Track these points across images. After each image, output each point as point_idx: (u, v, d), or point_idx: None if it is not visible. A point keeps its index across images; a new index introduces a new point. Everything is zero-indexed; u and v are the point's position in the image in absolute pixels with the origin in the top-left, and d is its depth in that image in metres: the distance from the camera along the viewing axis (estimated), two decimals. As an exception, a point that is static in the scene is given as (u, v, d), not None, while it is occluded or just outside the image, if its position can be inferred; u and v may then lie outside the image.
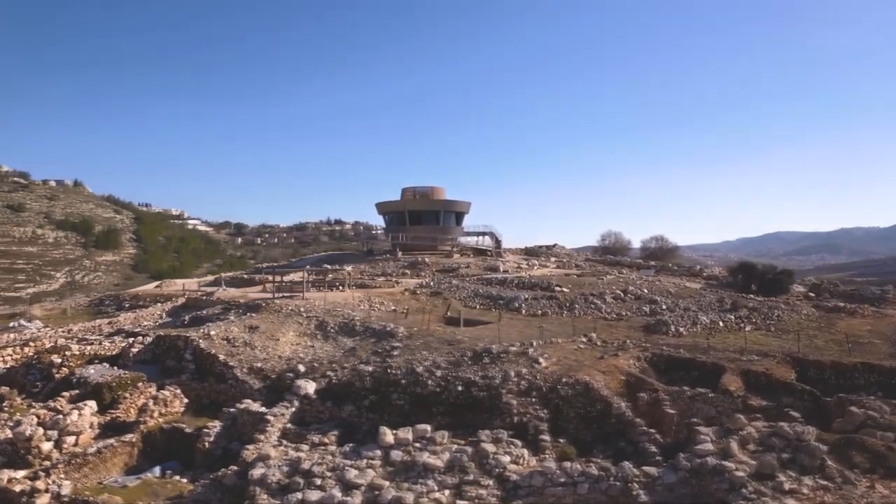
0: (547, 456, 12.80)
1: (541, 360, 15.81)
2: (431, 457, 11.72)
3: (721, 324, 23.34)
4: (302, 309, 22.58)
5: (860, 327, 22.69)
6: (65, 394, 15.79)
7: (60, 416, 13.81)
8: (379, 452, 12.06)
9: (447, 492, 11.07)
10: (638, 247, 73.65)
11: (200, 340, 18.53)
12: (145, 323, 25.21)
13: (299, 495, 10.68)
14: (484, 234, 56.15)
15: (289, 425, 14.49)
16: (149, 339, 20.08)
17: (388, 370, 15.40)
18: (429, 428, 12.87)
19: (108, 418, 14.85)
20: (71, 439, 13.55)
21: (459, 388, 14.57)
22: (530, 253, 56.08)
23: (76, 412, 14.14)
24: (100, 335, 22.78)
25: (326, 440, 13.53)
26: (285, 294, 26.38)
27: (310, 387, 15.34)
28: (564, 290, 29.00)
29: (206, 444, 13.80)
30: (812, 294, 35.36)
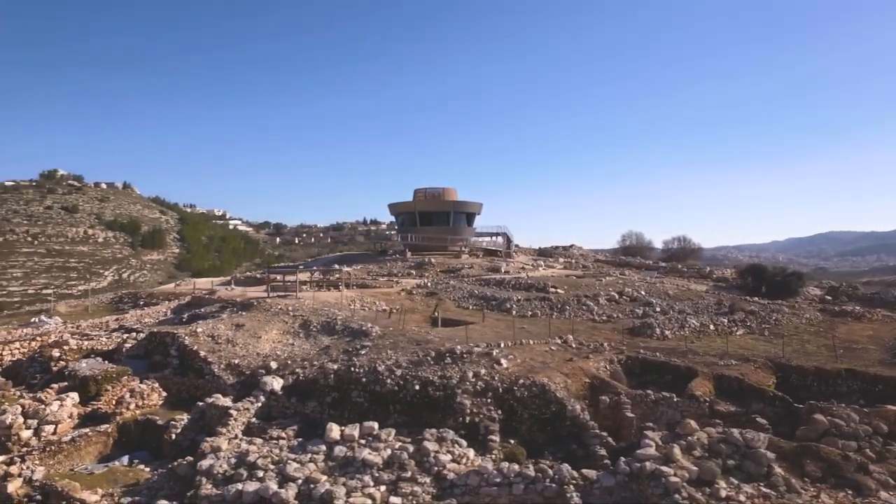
0: (493, 456, 12.89)
1: (503, 361, 15.86)
2: (372, 453, 11.99)
3: (712, 327, 22.75)
4: (290, 308, 23.24)
5: (861, 332, 21.73)
6: (54, 385, 16.82)
7: (42, 406, 14.76)
8: (324, 448, 12.42)
9: (382, 488, 11.32)
10: (660, 247, 72.05)
11: (186, 337, 19.36)
12: (147, 320, 26.42)
13: (239, 486, 11.13)
14: (497, 234, 56.09)
15: (253, 420, 15.03)
16: (142, 336, 21.09)
17: (352, 368, 15.76)
18: (375, 425, 13.16)
19: (90, 409, 15.75)
20: (50, 428, 14.46)
21: (416, 387, 14.79)
22: (543, 254, 55.63)
23: (57, 403, 15.07)
24: (103, 331, 24.01)
25: (284, 435, 13.98)
26: (280, 294, 27.17)
27: (276, 383, 15.85)
28: (559, 291, 28.78)
29: (174, 435, 14.47)
30: (828, 297, 33.95)
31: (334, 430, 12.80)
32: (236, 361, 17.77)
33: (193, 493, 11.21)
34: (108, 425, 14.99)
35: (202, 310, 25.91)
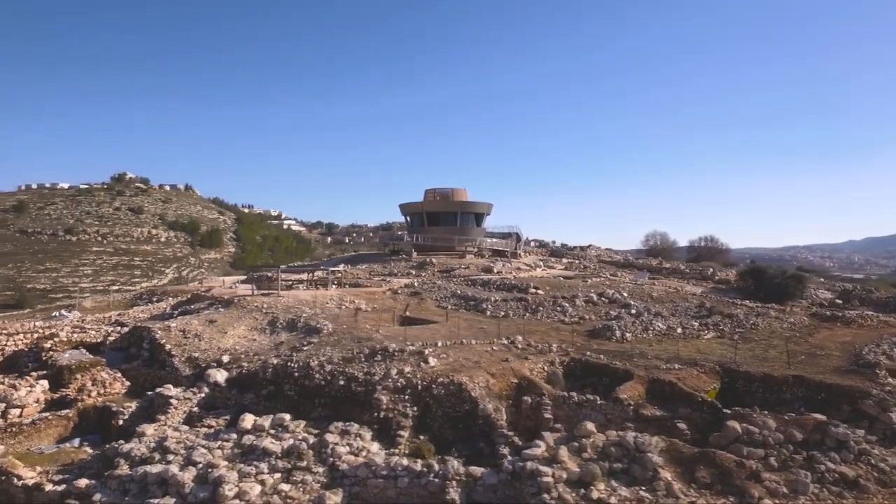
0: (398, 451, 13.38)
1: (431, 360, 16.26)
2: (274, 442, 12.75)
3: (679, 330, 22.20)
4: (265, 306, 24.41)
5: (838, 338, 20.68)
6: (33, 374, 18.56)
7: (13, 391, 16.39)
8: (234, 436, 13.28)
9: (277, 475, 12.04)
10: (685, 247, 69.65)
11: (158, 331, 20.80)
12: (142, 315, 28.35)
13: (148, 468, 12.13)
14: (508, 234, 56.11)
15: (195, 409, 16.11)
16: (125, 330, 22.79)
17: (288, 364, 16.59)
18: (287, 417, 13.93)
19: (58, 396, 17.32)
20: (16, 411, 16.04)
21: (342, 382, 15.44)
22: (555, 254, 55.12)
23: (27, 389, 16.70)
24: (104, 325, 26.00)
25: (215, 423, 14.97)
26: (264, 292, 28.50)
27: (220, 376, 16.90)
28: (539, 292, 28.71)
29: (121, 421, 15.74)
30: (838, 301, 32.20)
31: (247, 420, 13.65)
32: (196, 355, 18.97)
33: (110, 473, 12.30)
34: (68, 410, 16.46)
35: (193, 306, 27.56)
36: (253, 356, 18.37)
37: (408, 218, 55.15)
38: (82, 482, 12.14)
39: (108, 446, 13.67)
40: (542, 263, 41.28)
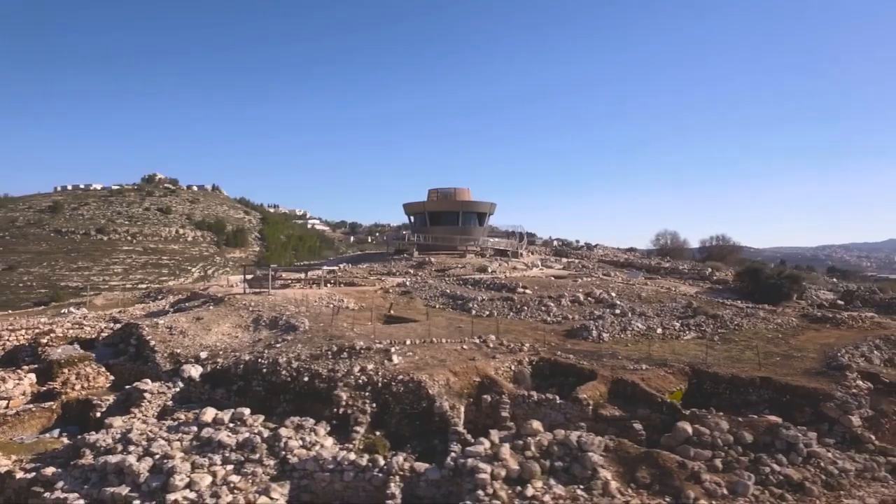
0: (352, 446, 13.69)
1: (395, 358, 16.55)
2: (230, 435, 13.16)
3: (659, 331, 22.05)
4: (253, 304, 25.03)
5: (820, 340, 20.28)
6: (24, 367, 19.45)
7: (0, 384, 17.23)
8: (195, 429, 13.75)
9: (229, 467, 12.44)
10: (696, 247, 68.52)
11: (146, 328, 21.55)
12: (138, 313, 29.29)
13: (108, 457, 12.69)
14: (512, 233, 56.18)
15: (169, 403, 16.71)
16: (118, 326, 23.65)
17: (259, 360, 17.06)
18: (246, 411, 14.37)
19: (45, 389, 18.13)
20: (3, 403, 16.85)
21: (306, 378, 15.84)
22: (559, 253, 54.88)
23: (14, 381, 17.54)
24: (102, 322, 26.98)
25: (184, 416, 15.50)
26: (255, 290, 29.17)
27: (194, 371, 17.46)
28: (527, 292, 28.74)
29: (98, 413, 16.42)
30: (840, 302, 31.45)
31: (208, 414, 14.14)
32: (178, 351, 19.60)
33: (75, 462, 12.91)
34: (53, 403, 17.24)
35: (188, 304, 28.38)
36: (230, 353, 18.91)
37: (411, 218, 55.56)
38: (49, 470, 12.75)
39: (78, 437, 14.32)
40: (540, 263, 41.20)
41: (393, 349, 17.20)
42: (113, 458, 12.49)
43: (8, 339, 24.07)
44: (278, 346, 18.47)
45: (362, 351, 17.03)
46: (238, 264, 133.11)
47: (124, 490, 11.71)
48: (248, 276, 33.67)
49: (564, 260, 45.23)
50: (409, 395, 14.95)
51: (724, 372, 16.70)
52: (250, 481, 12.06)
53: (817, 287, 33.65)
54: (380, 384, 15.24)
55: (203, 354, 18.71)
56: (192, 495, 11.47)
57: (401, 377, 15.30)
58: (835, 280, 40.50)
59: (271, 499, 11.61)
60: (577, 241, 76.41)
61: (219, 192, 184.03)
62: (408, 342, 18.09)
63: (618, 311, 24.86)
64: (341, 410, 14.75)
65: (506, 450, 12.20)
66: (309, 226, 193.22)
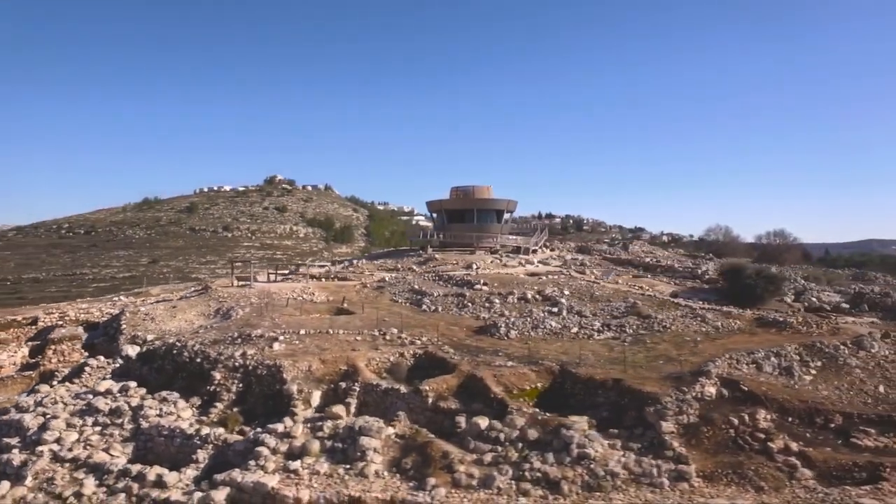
0: (208, 419, 15.88)
1: (276, 345, 18.49)
2: (107, 403, 15.93)
3: (575, 329, 21.85)
4: (225, 296, 28.29)
5: (731, 345, 19.00)
6: (29, 343, 24.09)
7: (-4, 354, 21.74)
8: (90, 396, 16.73)
9: (97, 428, 15.22)
10: (750, 243, 62.81)
11: (128, 314, 25.51)
12: (151, 301, 33.98)
13: (16, 415, 15.99)
14: (534, 230, 55.86)
15: (109, 376, 20.05)
16: (117, 312, 28.08)
17: (177, 343, 19.86)
18: (133, 384, 17.10)
19: (34, 361, 22.48)
20: (-5, 369, 21.32)
21: (199, 360, 18.29)
22: (582, 251, 53.45)
23: (9, 353, 21.99)
24: (110, 308, 31.87)
25: (111, 388, 18.67)
26: (243, 283, 32.62)
27: (132, 350, 20.68)
28: (484, 288, 29.26)
29: (55, 382, 20.18)
30: (844, 305, 28.26)
31: (103, 385, 17.07)
32: (139, 333, 23.10)
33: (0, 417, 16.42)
34: (31, 372, 21.42)
35: (189, 293, 32.53)
36: (175, 336, 22.00)
37: (433, 215, 57.10)
38: (-16, 422, 16.36)
39: (16, 397, 17.95)
40: (535, 260, 40.92)
41: (281, 337, 19.16)
42: (17, 416, 15.75)
43: (42, 321, 29.49)
44: (201, 332, 21.23)
45: (254, 338, 19.19)
46: (342, 259, 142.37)
47: (14, 440, 14.85)
48: (236, 270, 37.82)
49: (569, 256, 44.25)
50: (269, 378, 16.82)
51: (583, 373, 16.60)
52: (104, 440, 14.68)
53: (821, 288, 30.21)
54: (249, 367, 17.27)
55: (150, 337, 21.97)
56: (56, 447, 14.31)
57: (267, 362, 17.21)
58: (853, 278, 35.74)
59: (111, 455, 14.11)
60: (636, 231, 73.27)
61: (331, 191, 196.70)
62: (302, 332, 19.95)
63: (555, 310, 24.75)
64: (212, 388, 16.98)
65: (300, 429, 13.68)
66: (413, 222, 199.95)
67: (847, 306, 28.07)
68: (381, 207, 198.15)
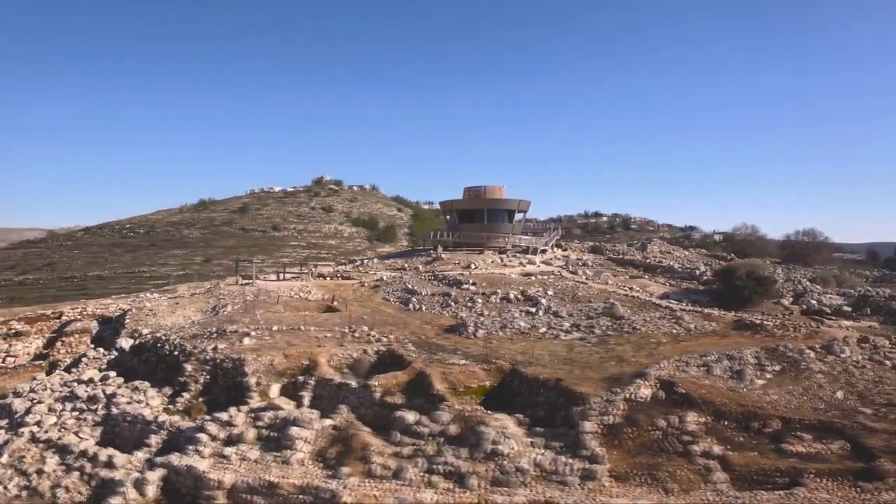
0: (174, 407, 17.15)
1: (246, 340, 19.62)
2: (86, 391, 17.47)
3: (543, 329, 21.99)
4: (226, 293, 29.92)
5: (692, 348, 18.64)
6: (47, 336, 26.38)
7: (13, 344, 23.97)
8: (76, 385, 18.35)
9: (75, 413, 16.74)
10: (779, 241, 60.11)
11: (133, 308, 27.46)
12: (163, 297, 36.16)
13: (11, 399, 17.76)
14: (546, 230, 55.65)
15: (105, 366, 21.82)
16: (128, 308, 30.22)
17: (162, 336, 21.37)
18: (113, 374, 18.58)
19: (45, 351, 24.64)
20: (11, 359, 23.52)
21: (176, 353, 19.66)
22: (595, 251, 52.78)
23: (21, 344, 24.21)
24: (123, 304, 34.20)
25: (94, 377, 20.34)
26: (247, 281, 34.28)
27: (126, 343, 22.39)
28: (470, 288, 29.66)
29: (59, 370, 22.12)
30: (846, 308, 27.00)
31: (87, 373, 18.66)
32: (138, 327, 24.92)
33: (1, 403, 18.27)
34: (42, 361, 23.51)
35: (198, 290, 34.51)
36: (168, 330, 23.61)
37: (447, 216, 57.70)
38: (-13, 404, 18.25)
39: (17, 385, 19.83)
40: (538, 260, 40.81)
41: (253, 333, 20.30)
42: (9, 400, 17.51)
43: (67, 315, 32.06)
44: (187, 327, 22.69)
45: (229, 333, 20.41)
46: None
47: (3, 422, 16.55)
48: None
49: (574, 256, 43.86)
50: (232, 370, 17.93)
51: (530, 373, 16.84)
52: (78, 424, 16.14)
53: (824, 290, 28.83)
54: (217, 360, 18.44)
55: (145, 330, 23.67)
56: (35, 428, 15.88)
57: (233, 356, 18.33)
58: (875, 280, 33.75)
59: (80, 437, 15.53)
60: (686, 230, 71.30)
61: (376, 191, 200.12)
62: (274, 328, 21.03)
63: (533, 311, 24.92)
64: (183, 379, 18.26)
65: (242, 418, 14.65)
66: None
67: (849, 309, 26.82)
68: (426, 207, 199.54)
